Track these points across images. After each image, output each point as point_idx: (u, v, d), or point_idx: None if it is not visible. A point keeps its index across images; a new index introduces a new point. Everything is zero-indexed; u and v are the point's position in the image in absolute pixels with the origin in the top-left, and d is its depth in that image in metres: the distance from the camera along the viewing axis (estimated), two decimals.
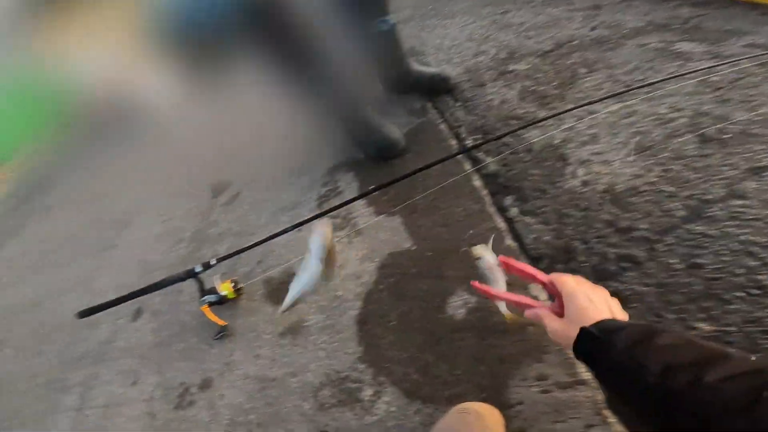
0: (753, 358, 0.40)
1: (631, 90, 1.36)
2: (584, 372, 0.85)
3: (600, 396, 0.81)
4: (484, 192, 1.24)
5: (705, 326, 0.82)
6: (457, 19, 2.44)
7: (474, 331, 0.99)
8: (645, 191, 1.07)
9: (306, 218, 1.17)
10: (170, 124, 1.79)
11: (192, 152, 1.96)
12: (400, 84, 1.79)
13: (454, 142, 1.48)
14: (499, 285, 0.80)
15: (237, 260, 1.36)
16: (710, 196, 1.00)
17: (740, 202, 0.97)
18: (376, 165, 1.52)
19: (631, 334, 0.49)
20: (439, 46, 2.23)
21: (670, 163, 1.12)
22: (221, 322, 1.21)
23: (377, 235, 1.27)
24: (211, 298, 1.19)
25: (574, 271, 0.98)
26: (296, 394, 1.05)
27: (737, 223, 0.93)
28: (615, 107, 1.38)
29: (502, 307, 0.87)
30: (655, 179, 1.09)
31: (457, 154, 1.29)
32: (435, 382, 0.96)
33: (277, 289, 1.28)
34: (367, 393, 0.99)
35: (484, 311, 1.01)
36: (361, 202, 1.38)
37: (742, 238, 0.91)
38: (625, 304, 0.90)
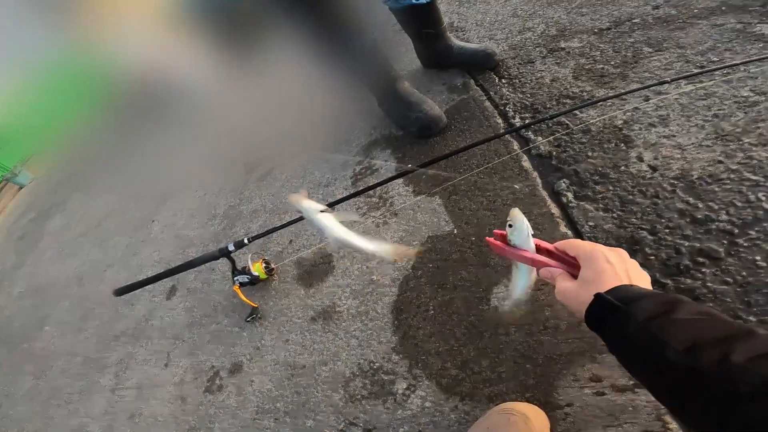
0: None
1: (709, 71, 1.22)
2: None
3: None
4: (534, 174, 1.14)
5: None
6: None
7: (522, 325, 0.91)
8: (725, 179, 0.94)
9: (340, 197, 1.12)
10: (206, 100, 1.77)
11: (227, 128, 1.95)
12: (439, 59, 1.70)
13: (500, 120, 1.37)
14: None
15: (269, 239, 1.33)
16: None
17: None
18: (415, 142, 1.44)
19: (652, 305, 0.46)
20: (480, 21, 2.12)
21: (754, 149, 0.98)
22: (252, 304, 1.18)
23: (416, 216, 1.20)
24: (243, 278, 1.17)
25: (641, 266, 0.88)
26: (326, 384, 1.01)
27: None
28: (687, 88, 1.23)
29: (512, 298, 0.74)
30: (737, 166, 0.95)
31: (508, 132, 1.20)
32: (475, 378, 0.89)
33: (308, 271, 1.24)
34: (401, 386, 0.94)
35: (534, 305, 0.92)
36: (398, 181, 1.31)
37: None
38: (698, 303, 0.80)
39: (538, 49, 1.74)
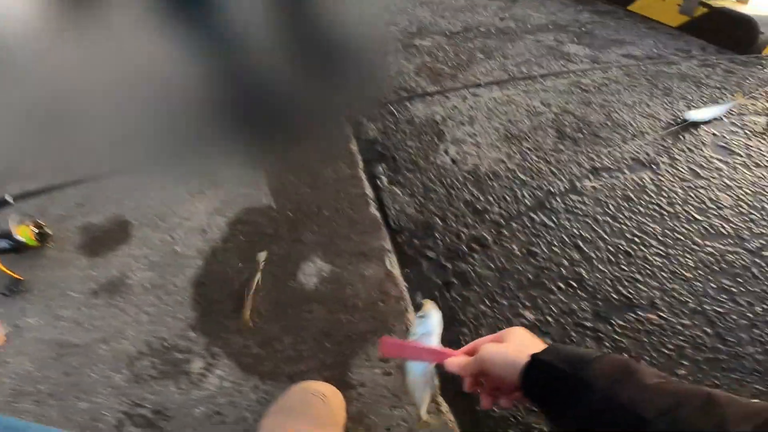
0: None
1: (514, 79, 1.43)
2: None
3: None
4: (359, 157, 1.20)
5: (529, 314, 0.88)
6: None
7: (324, 303, 0.95)
8: (503, 177, 1.13)
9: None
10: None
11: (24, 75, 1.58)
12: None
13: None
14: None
15: (50, 200, 1.13)
16: (554, 189, 1.09)
17: (578, 197, 1.08)
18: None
19: (608, 369, 0.40)
20: (351, 13, 2.16)
21: (529, 153, 1.20)
22: (14, 275, 0.99)
23: (236, 188, 1.16)
24: (2, 243, 0.97)
25: (428, 249, 1.00)
26: (106, 363, 0.90)
27: (571, 217, 1.04)
28: (497, 94, 1.44)
29: (423, 410, 0.65)
30: (514, 167, 1.16)
31: (336, 115, 1.22)
32: (277, 357, 0.90)
33: (97, 239, 1.09)
34: (197, 365, 0.90)
35: (338, 283, 0.97)
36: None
37: (573, 231, 1.01)
38: (467, 286, 0.94)
39: (395, 42, 1.85)
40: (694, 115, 1.28)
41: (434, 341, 0.60)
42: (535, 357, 0.44)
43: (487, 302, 0.91)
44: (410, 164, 1.18)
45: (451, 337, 0.87)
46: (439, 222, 1.05)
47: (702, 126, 1.30)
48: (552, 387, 0.42)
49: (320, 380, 0.83)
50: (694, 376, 0.80)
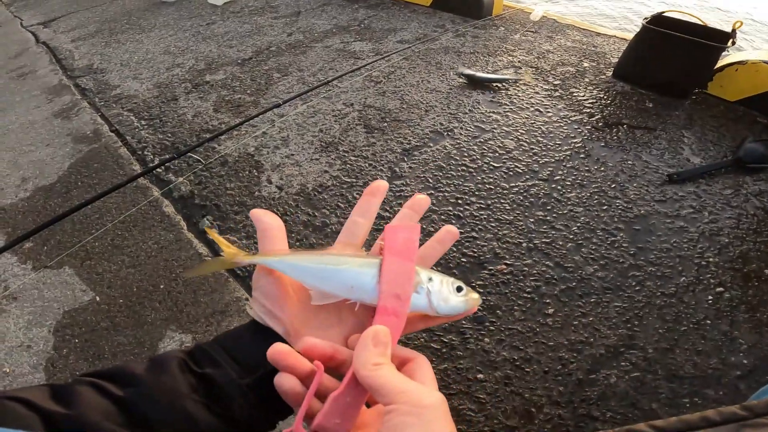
0: None
1: (312, 90, 1.62)
2: None
3: None
4: (178, 218, 1.23)
5: None
6: (155, 32, 2.43)
7: None
8: (331, 186, 1.29)
9: None
10: None
11: None
12: None
13: (137, 167, 1.40)
14: None
15: None
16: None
17: (401, 181, 1.29)
18: (28, 209, 1.30)
19: None
20: (126, 61, 2.16)
21: (347, 155, 1.38)
22: None
23: (42, 294, 1.10)
24: None
25: None
26: None
27: (402, 201, 1.23)
28: (302, 108, 1.61)
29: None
30: (337, 173, 1.32)
31: (135, 177, 1.24)
32: None
33: None
34: None
35: None
36: (10, 260, 1.16)
37: None
38: None
39: (183, 84, 1.88)
40: (466, 70, 1.65)
41: None
42: None
43: None
44: (237, 206, 1.25)
45: None
46: None
47: (474, 89, 1.65)
48: None
49: None
50: (561, 312, 0.96)
